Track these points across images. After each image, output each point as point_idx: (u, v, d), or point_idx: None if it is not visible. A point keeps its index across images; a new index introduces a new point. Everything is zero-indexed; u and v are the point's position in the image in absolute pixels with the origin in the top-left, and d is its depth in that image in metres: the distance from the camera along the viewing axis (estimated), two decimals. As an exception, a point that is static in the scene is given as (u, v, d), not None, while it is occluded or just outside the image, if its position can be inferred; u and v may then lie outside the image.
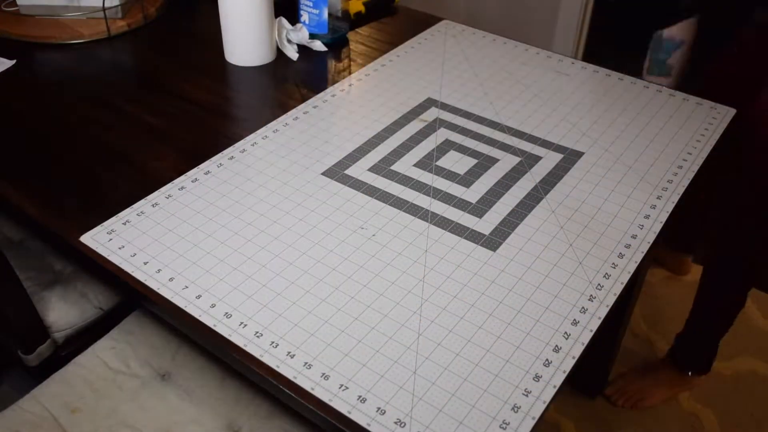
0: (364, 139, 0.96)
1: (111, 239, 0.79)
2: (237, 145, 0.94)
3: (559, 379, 0.65)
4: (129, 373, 0.89)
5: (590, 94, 1.08)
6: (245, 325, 0.69)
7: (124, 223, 0.81)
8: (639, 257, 0.78)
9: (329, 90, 1.07)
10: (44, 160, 0.93)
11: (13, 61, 1.14)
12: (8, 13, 1.25)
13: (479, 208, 0.84)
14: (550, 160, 0.93)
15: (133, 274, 0.74)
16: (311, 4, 1.18)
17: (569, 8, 2.03)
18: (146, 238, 0.79)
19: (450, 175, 0.90)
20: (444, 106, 1.03)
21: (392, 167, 0.91)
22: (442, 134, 0.97)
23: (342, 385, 0.64)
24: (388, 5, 1.34)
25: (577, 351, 0.68)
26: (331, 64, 1.18)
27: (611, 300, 0.73)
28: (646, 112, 1.03)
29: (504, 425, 0.61)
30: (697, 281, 1.32)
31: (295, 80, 1.13)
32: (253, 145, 0.94)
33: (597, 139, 0.97)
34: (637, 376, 1.43)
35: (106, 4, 1.21)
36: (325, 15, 1.18)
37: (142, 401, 0.86)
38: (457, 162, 0.92)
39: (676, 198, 0.87)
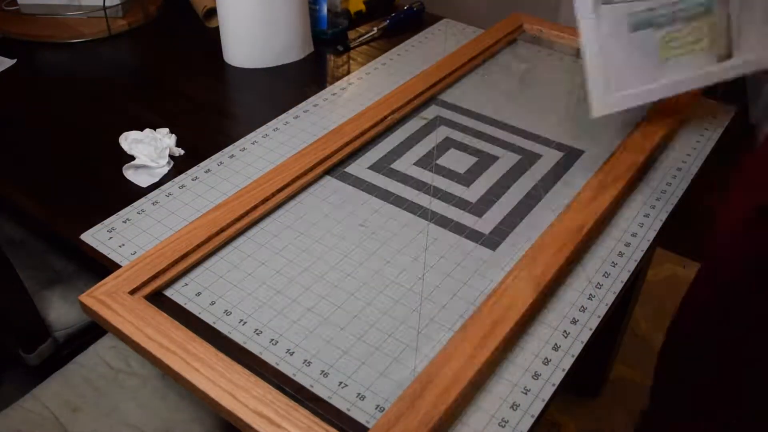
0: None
1: (111, 237, 0.79)
2: (237, 143, 0.94)
3: (558, 377, 0.65)
4: (130, 371, 0.90)
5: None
6: (245, 323, 0.69)
7: (125, 222, 0.81)
8: (639, 255, 0.78)
9: (329, 89, 1.07)
10: (44, 159, 0.93)
11: (14, 61, 1.14)
12: (9, 12, 1.25)
13: (479, 207, 0.84)
14: (550, 158, 0.93)
15: (133, 273, 0.75)
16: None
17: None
18: (147, 236, 0.79)
19: (450, 174, 0.90)
20: (444, 104, 1.03)
21: (392, 165, 0.91)
22: (442, 132, 0.97)
23: (341, 383, 0.64)
24: (388, 4, 1.34)
25: (576, 349, 0.68)
26: (332, 62, 1.18)
27: (611, 298, 0.73)
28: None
29: (503, 423, 0.61)
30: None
31: (295, 79, 1.13)
32: (253, 143, 0.94)
33: (597, 137, 0.97)
34: None
35: (107, 3, 1.21)
36: (324, 11, 1.18)
37: (142, 400, 0.86)
38: (457, 160, 0.92)
39: (675, 200, 0.86)
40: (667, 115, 0.96)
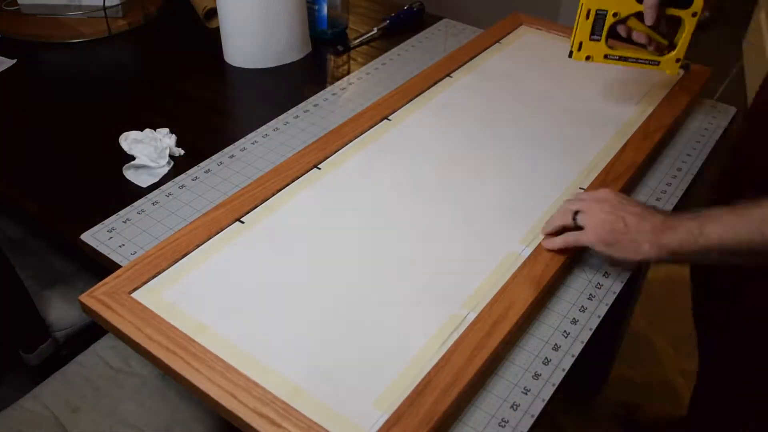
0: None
1: (111, 237, 0.79)
2: (238, 143, 0.94)
3: (558, 377, 0.65)
4: (130, 371, 0.90)
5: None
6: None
7: (125, 222, 0.81)
8: (639, 256, 0.78)
9: (329, 89, 1.07)
10: (45, 159, 0.93)
11: (14, 61, 1.14)
12: (9, 12, 1.25)
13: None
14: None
15: (134, 273, 0.75)
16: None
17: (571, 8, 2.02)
18: (147, 237, 0.79)
19: (450, 174, 0.90)
20: (444, 105, 1.03)
21: (392, 166, 0.91)
22: (442, 133, 0.97)
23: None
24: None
25: (576, 349, 0.68)
26: (332, 62, 1.18)
27: (611, 299, 0.73)
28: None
29: (503, 423, 0.61)
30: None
31: (295, 79, 1.13)
32: (254, 143, 0.94)
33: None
34: None
35: (107, 3, 1.21)
36: (324, 11, 1.18)
37: (142, 400, 0.86)
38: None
39: (675, 200, 0.86)
40: (672, 105, 0.96)
